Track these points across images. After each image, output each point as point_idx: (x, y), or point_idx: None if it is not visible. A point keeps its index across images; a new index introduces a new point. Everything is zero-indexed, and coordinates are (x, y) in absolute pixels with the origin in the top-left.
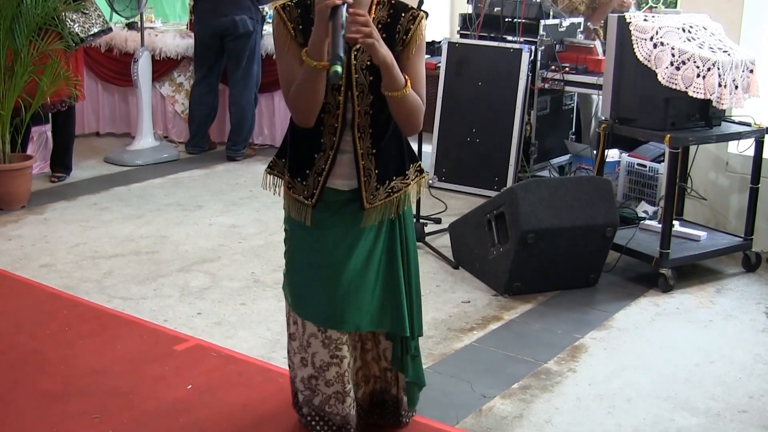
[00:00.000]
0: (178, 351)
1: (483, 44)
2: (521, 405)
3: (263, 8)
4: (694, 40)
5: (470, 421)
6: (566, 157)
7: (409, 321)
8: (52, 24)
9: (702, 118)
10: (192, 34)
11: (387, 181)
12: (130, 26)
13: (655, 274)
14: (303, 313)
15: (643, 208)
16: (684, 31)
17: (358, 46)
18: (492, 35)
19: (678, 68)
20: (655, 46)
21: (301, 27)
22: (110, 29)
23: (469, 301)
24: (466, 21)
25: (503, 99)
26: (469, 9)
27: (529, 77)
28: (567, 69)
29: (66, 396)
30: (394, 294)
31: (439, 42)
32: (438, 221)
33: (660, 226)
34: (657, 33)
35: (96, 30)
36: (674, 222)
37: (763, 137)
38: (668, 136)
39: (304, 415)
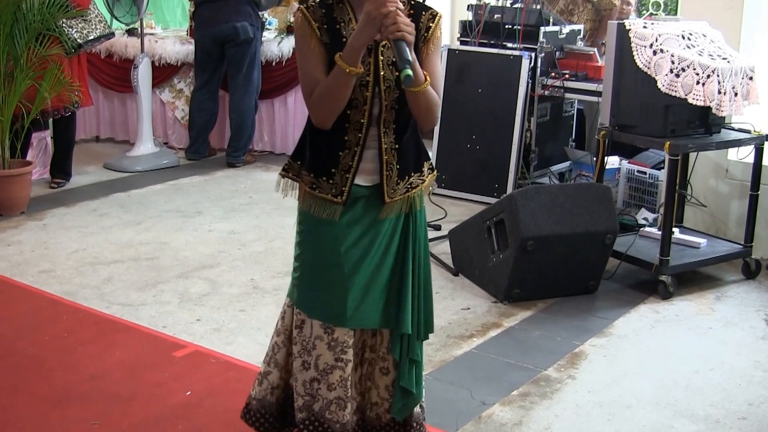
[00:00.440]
0: (177, 357)
1: (483, 51)
2: (521, 412)
3: (263, 15)
4: (694, 47)
5: (470, 428)
6: (566, 164)
7: (418, 321)
8: (51, 30)
9: (702, 125)
10: (192, 41)
11: (406, 177)
12: (130, 32)
13: (655, 281)
14: (314, 312)
15: (643, 215)
16: (684, 38)
17: (384, 42)
18: (492, 42)
19: (678, 75)
20: (654, 53)
21: (325, 26)
22: (112, 35)
23: (468, 308)
24: (466, 28)
25: (503, 106)
26: (469, 16)
27: (529, 84)
28: (567, 76)
29: (65, 402)
30: (402, 292)
31: None
32: (438, 228)
33: (660, 233)
34: (657, 40)
35: (95, 35)
36: (674, 229)
37: (763, 144)
38: (668, 143)
39: (301, 420)
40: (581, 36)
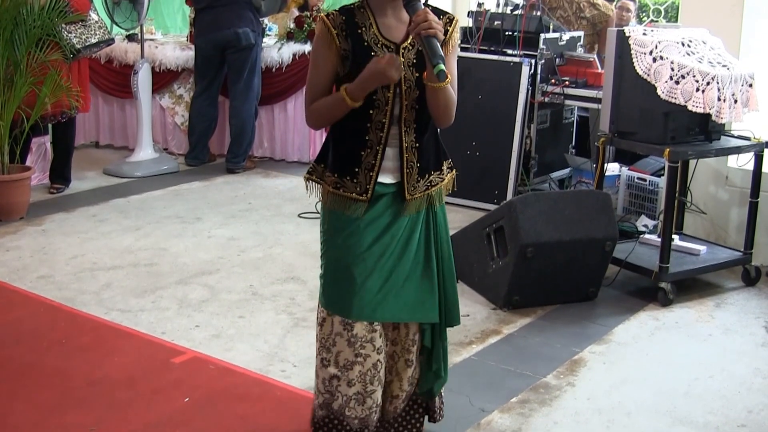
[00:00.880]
0: (176, 363)
1: (483, 58)
2: (520, 419)
3: (263, 21)
4: (694, 54)
5: None
6: (566, 170)
7: (444, 309)
8: (51, 35)
9: (701, 132)
10: (192, 46)
11: (426, 175)
12: (131, 38)
13: (655, 288)
14: (335, 308)
15: (643, 222)
16: (683, 45)
17: (405, 44)
18: (492, 49)
19: (677, 82)
20: (654, 60)
21: (345, 32)
22: (112, 40)
23: (468, 315)
24: (466, 34)
25: (503, 112)
26: (469, 22)
27: (529, 91)
28: (567, 83)
29: (63, 408)
30: (429, 284)
31: None
32: None
33: (659, 239)
34: (656, 47)
35: (95, 41)
36: (674, 236)
37: (763, 151)
38: (668, 149)
39: (320, 418)
40: (581, 43)
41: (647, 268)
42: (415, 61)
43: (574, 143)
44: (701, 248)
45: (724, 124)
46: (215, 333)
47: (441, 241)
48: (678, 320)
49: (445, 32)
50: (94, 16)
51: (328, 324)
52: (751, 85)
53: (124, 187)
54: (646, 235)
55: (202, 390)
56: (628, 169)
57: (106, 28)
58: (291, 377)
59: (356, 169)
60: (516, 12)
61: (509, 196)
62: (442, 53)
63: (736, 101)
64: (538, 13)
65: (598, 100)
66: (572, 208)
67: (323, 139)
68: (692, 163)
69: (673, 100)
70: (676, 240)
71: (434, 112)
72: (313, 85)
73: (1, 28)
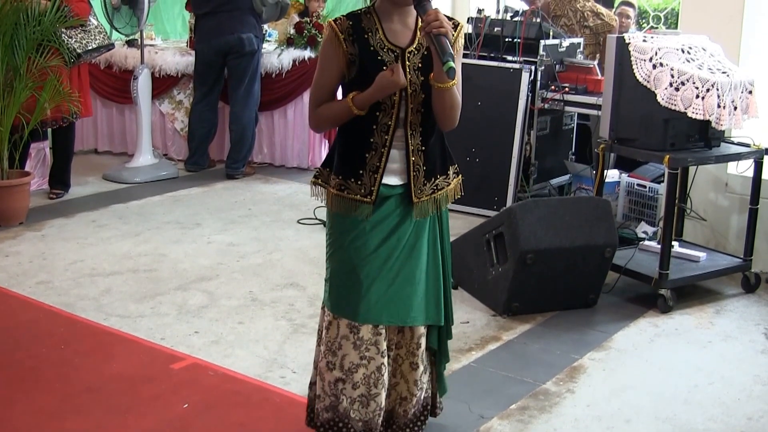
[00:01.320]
0: (175, 370)
1: (483, 64)
2: (519, 426)
3: (264, 27)
4: (694, 61)
5: None
6: (566, 177)
7: (446, 311)
8: (51, 40)
9: (701, 138)
10: (192, 52)
11: (433, 179)
12: (130, 43)
13: (655, 294)
14: (340, 310)
15: (643, 229)
16: (683, 52)
17: (410, 48)
18: (492, 55)
19: (677, 89)
20: (654, 66)
21: (352, 37)
22: (112, 45)
23: (467, 322)
24: (466, 40)
25: (503, 119)
26: (469, 29)
27: (529, 97)
28: (567, 89)
29: (62, 414)
30: (436, 288)
31: None
32: None
33: (659, 246)
34: (656, 54)
35: (95, 45)
36: (674, 242)
37: (762, 158)
38: (667, 156)
39: (326, 420)
40: (581, 49)
41: (647, 275)
42: (420, 65)
43: (573, 150)
44: (701, 255)
45: (723, 131)
46: (214, 339)
47: (445, 244)
48: (678, 327)
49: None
50: (93, 20)
51: (334, 327)
52: (750, 92)
53: (123, 192)
54: (646, 242)
55: (201, 396)
56: (628, 176)
57: (106, 33)
58: (290, 384)
59: (360, 171)
60: (516, 18)
61: (509, 202)
62: (452, 51)
63: (735, 108)
64: (538, 20)
65: (598, 107)
66: (572, 214)
67: (323, 145)
68: (692, 169)
69: (672, 107)
70: (676, 247)
71: (439, 113)
72: (319, 89)
73: (1, 33)
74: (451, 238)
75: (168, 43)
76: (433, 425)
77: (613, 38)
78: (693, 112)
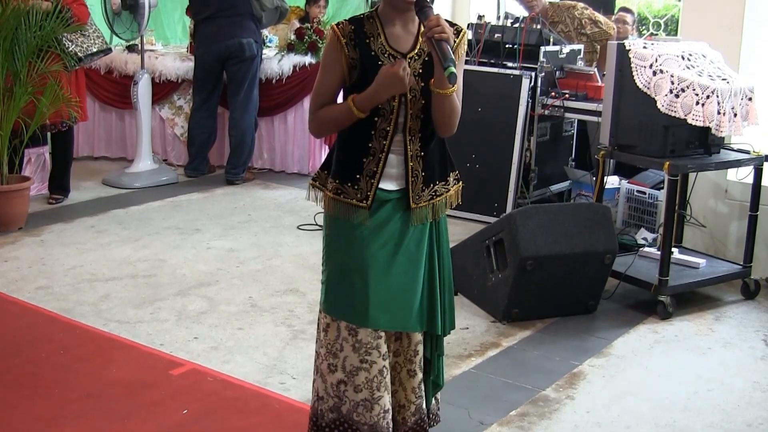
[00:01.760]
0: (174, 375)
1: (483, 70)
2: None
3: (264, 33)
4: (694, 67)
5: None
6: (566, 183)
7: (443, 319)
8: (52, 45)
9: (701, 145)
10: (192, 57)
11: (431, 184)
12: (131, 49)
13: (654, 301)
14: (339, 314)
15: (643, 235)
16: (683, 58)
17: (411, 54)
18: (492, 61)
19: (677, 96)
20: (654, 73)
21: (353, 42)
22: (110, 50)
23: (467, 328)
24: (466, 47)
25: (503, 125)
26: (469, 35)
27: (529, 103)
28: (567, 95)
29: (61, 420)
30: (433, 295)
31: None
32: None
33: (659, 253)
34: (656, 61)
35: (95, 50)
36: (673, 249)
37: (762, 165)
38: (667, 163)
39: (331, 421)
40: (581, 56)
41: (647, 281)
42: (421, 70)
43: (573, 156)
44: (701, 261)
45: (723, 138)
46: (214, 345)
47: (443, 251)
48: (677, 333)
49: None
50: (91, 25)
51: (333, 329)
52: (750, 99)
53: (123, 197)
54: (646, 248)
55: (200, 402)
56: (628, 182)
57: (104, 37)
58: (290, 390)
59: (357, 176)
60: (516, 25)
61: (509, 208)
62: (453, 57)
63: (735, 115)
64: (539, 26)
65: (598, 113)
66: (572, 221)
67: (324, 151)
68: (692, 176)
69: (672, 114)
70: (676, 253)
71: (438, 120)
72: (320, 93)
73: (1, 38)
74: (451, 245)
75: (168, 48)
76: None
77: (614, 45)
78: (693, 119)
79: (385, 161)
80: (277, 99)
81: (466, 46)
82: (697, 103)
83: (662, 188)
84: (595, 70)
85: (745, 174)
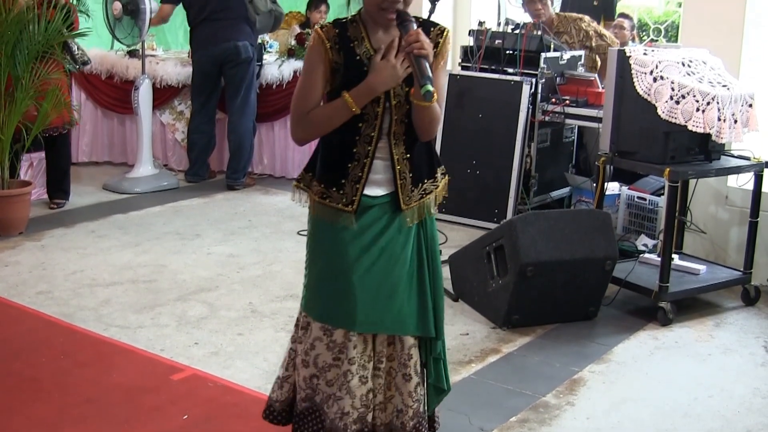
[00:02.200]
0: (174, 381)
1: (484, 76)
2: None
3: (265, 38)
4: (694, 74)
5: None
6: (566, 189)
7: (435, 321)
8: (56, 50)
9: (701, 151)
10: None
11: (420, 183)
12: (132, 54)
13: (655, 307)
14: (322, 317)
15: (643, 242)
16: (684, 65)
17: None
18: (493, 67)
19: (678, 102)
20: (654, 80)
21: (337, 46)
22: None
23: (467, 334)
24: (467, 53)
25: (504, 131)
26: (470, 41)
27: (530, 110)
28: (567, 102)
29: (61, 424)
30: (422, 298)
31: None
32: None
33: (659, 259)
34: (657, 67)
35: (86, 58)
36: (674, 255)
37: (762, 171)
38: (668, 169)
39: (304, 409)
40: (582, 62)
41: (647, 288)
42: (405, 76)
43: (574, 162)
44: (701, 268)
45: (724, 144)
46: (214, 350)
47: (432, 253)
48: (678, 340)
49: (436, 44)
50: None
51: (310, 329)
52: (751, 105)
53: (123, 202)
54: (646, 255)
55: (200, 408)
56: (628, 189)
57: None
58: None
59: (342, 181)
60: (517, 31)
61: (509, 215)
62: (431, 74)
63: (736, 121)
64: (539, 33)
65: (598, 120)
66: (572, 227)
67: None
68: (692, 182)
69: (673, 120)
70: (676, 259)
71: (418, 127)
72: (307, 96)
73: (4, 43)
74: (452, 251)
75: (169, 53)
76: None
77: (614, 51)
78: (693, 125)
79: (370, 166)
80: (278, 104)
81: (450, 45)
82: (698, 109)
83: (662, 194)
84: (596, 76)
85: (746, 180)
